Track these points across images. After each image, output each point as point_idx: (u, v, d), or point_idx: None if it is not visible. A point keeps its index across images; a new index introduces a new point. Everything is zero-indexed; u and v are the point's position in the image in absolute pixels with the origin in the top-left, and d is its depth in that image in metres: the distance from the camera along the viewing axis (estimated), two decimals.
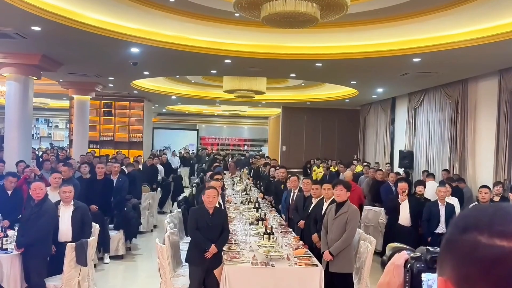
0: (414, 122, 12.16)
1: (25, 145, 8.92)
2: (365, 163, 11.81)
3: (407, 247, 1.01)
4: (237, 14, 6.16)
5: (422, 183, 7.19)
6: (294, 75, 10.58)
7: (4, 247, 4.83)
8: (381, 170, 10.06)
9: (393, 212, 6.84)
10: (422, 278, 0.88)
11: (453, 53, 7.20)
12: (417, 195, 6.82)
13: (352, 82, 11.05)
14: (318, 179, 9.58)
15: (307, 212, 6.04)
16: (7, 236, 4.96)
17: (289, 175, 8.02)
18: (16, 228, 5.29)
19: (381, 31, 7.18)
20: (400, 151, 12.47)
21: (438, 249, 0.89)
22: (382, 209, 8.01)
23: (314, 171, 12.89)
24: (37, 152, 14.89)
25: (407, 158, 11.97)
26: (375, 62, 8.13)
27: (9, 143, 8.80)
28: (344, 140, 16.73)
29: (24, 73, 8.70)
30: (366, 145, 16.05)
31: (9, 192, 6.16)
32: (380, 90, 12.27)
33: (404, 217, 6.54)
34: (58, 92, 14.56)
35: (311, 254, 4.97)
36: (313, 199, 6.03)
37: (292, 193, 7.10)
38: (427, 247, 0.92)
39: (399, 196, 6.69)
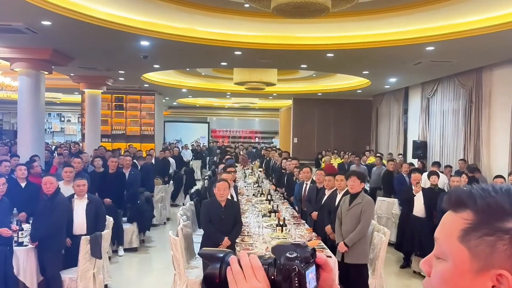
0: (427, 112, 12.00)
1: (38, 140, 8.99)
2: (377, 154, 11.71)
3: (222, 249, 0.90)
4: (247, 5, 6.10)
5: (436, 173, 7.10)
6: (305, 66, 10.48)
7: (20, 240, 4.88)
8: (393, 160, 9.95)
9: (407, 203, 6.77)
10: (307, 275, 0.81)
11: (467, 41, 7.05)
12: (432, 186, 6.74)
13: (364, 72, 10.92)
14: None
15: (320, 204, 6.01)
16: (22, 229, 5.01)
17: (297, 167, 7.99)
18: (31, 221, 5.34)
19: (394, 20, 7.06)
20: (414, 142, 12.34)
21: (305, 243, 0.83)
22: (396, 200, 7.94)
23: (324, 162, 12.83)
24: (50, 147, 15.06)
25: (420, 148, 11.84)
26: (387, 51, 8.01)
27: (22, 137, 8.87)
28: (356, 131, 16.60)
29: (36, 68, 8.74)
30: (379, 135, 15.91)
31: (23, 185, 6.21)
32: (392, 80, 12.12)
33: (419, 208, 6.48)
34: (70, 86, 14.65)
35: (325, 246, 4.95)
36: (326, 190, 6.00)
37: (304, 185, 7.07)
38: (284, 244, 0.83)
39: (413, 187, 6.62)
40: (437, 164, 9.09)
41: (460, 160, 9.46)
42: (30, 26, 6.79)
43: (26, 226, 5.27)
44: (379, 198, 8.43)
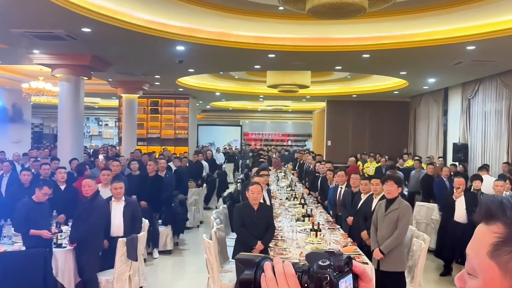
0: (468, 113, 11.58)
1: (78, 143, 9.25)
2: (416, 157, 11.39)
3: (261, 255, 0.88)
4: (281, 8, 6.06)
5: (479, 177, 6.81)
6: (340, 67, 10.34)
7: (59, 242, 5.00)
8: (432, 164, 9.63)
9: (447, 208, 6.54)
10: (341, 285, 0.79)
11: (510, 40, 6.75)
12: (475, 190, 6.47)
13: (401, 72, 10.66)
14: (367, 175, 9.34)
15: (356, 209, 5.87)
16: (61, 231, 5.13)
17: (331, 170, 7.87)
18: (70, 223, 5.47)
19: (432, 19, 6.85)
20: (454, 144, 11.93)
21: (340, 251, 0.81)
22: (435, 205, 7.68)
23: (349, 162, 12.57)
24: (88, 150, 15.50)
25: (461, 151, 11.43)
26: (426, 51, 7.77)
27: (63, 141, 9.15)
28: (393, 134, 16.21)
29: (76, 73, 9.00)
30: (417, 138, 15.49)
31: (62, 188, 6.36)
32: (431, 80, 11.77)
33: (460, 214, 6.23)
34: (108, 91, 15.03)
35: (361, 252, 4.82)
36: (362, 195, 5.86)
37: (339, 189, 6.94)
38: (318, 251, 0.81)
39: (454, 191, 6.38)
40: (484, 168, 8.64)
41: (504, 163, 9.05)
42: (70, 33, 6.99)
43: (65, 228, 5.41)
44: (418, 203, 8.17)
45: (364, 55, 8.40)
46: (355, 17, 5.22)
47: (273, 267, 0.82)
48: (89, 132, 25.00)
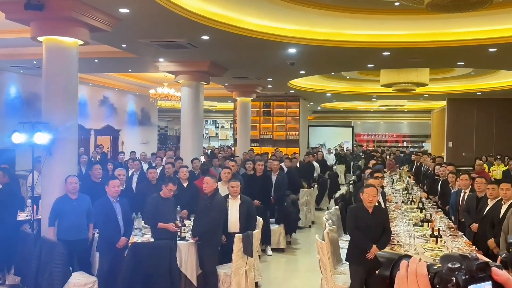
0: None
1: (198, 144, 9.93)
2: None
3: (402, 254, 0.90)
4: (397, 3, 5.85)
5: None
6: (462, 63, 9.61)
7: (182, 235, 5.41)
8: None
9: None
10: None
11: None
12: None
13: None
14: (494, 178, 8.57)
15: (481, 215, 5.43)
16: (184, 225, 5.55)
17: (453, 173, 7.36)
18: (192, 218, 5.89)
19: None
20: None
21: (476, 256, 0.78)
22: None
23: (476, 165, 11.47)
24: (207, 151, 16.49)
25: None
26: None
27: (185, 142, 9.90)
28: None
29: (196, 79, 9.67)
30: None
31: (185, 185, 6.86)
32: None
33: None
34: (224, 95, 15.85)
35: None
36: (488, 200, 5.39)
37: (462, 193, 6.47)
38: (452, 254, 0.80)
39: None
40: None
41: None
42: (191, 41, 7.53)
43: (188, 223, 5.83)
44: None
45: (490, 49, 7.71)
46: (480, 9, 4.83)
47: (408, 266, 0.84)
48: (207, 133, 26.55)
